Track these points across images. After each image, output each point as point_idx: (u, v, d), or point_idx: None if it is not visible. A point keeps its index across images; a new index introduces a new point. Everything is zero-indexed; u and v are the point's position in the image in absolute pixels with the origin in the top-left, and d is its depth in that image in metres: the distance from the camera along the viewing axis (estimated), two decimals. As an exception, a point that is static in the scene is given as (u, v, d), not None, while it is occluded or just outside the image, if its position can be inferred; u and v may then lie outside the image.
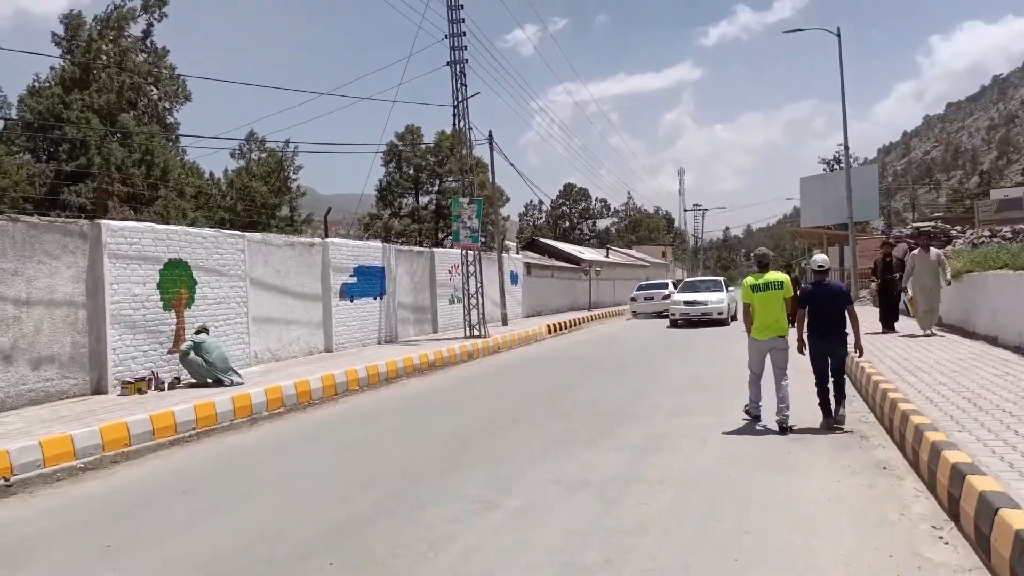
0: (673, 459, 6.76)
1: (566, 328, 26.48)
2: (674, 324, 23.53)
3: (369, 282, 17.79)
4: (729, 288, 26.06)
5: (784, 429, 7.42)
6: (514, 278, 28.69)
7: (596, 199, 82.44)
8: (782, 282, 7.66)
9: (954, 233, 24.02)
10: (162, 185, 26.58)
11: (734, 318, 23.02)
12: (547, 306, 32.50)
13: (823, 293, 7.58)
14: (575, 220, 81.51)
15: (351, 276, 17.08)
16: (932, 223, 26.11)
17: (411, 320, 20.42)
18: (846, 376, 7.94)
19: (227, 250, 13.30)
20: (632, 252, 62.09)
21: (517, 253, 30.45)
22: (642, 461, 6.74)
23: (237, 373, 11.63)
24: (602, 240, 75.43)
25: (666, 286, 30.63)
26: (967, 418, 6.64)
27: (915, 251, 13.93)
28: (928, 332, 13.67)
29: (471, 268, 20.32)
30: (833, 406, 7.59)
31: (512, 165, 24.35)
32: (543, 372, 14.10)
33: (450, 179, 28.60)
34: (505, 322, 24.75)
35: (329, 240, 16.77)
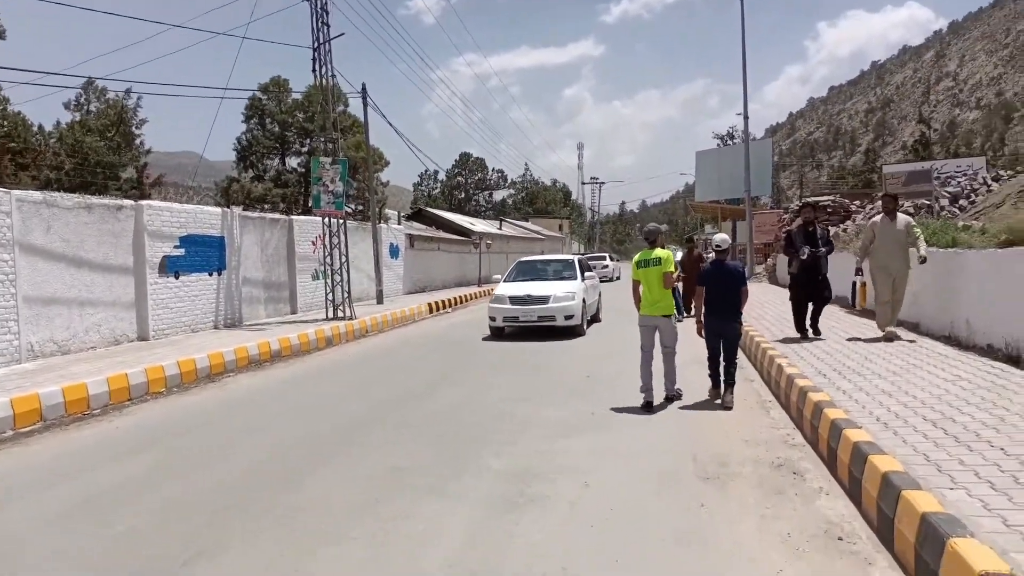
0: (538, 526, 4.55)
1: (451, 306, 24.14)
2: (497, 333, 14.67)
3: (202, 254, 14.76)
4: (591, 272, 17.67)
5: (671, 399, 7.76)
6: (394, 251, 26.02)
7: (493, 170, 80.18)
8: (660, 258, 7.64)
9: (853, 208, 23.21)
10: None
11: (597, 319, 16.65)
12: (433, 281, 30.01)
13: (721, 273, 7.59)
14: (471, 191, 79.04)
15: (177, 247, 14.02)
16: (830, 197, 25.33)
17: (262, 299, 17.51)
18: (737, 361, 7.69)
19: (-19, 211, 10.11)
20: (528, 225, 60.29)
21: (399, 223, 27.77)
22: (495, 530, 4.50)
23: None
24: (499, 212, 73.35)
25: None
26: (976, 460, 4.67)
27: (876, 218, 10.35)
28: (887, 333, 9.80)
29: (335, 239, 17.56)
30: (722, 390, 7.62)
31: (390, 124, 21.43)
32: (407, 365, 11.69)
33: (321, 138, 25.33)
34: (380, 300, 22.13)
35: (144, 203, 13.65)
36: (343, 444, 6.71)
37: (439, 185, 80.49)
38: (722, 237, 7.78)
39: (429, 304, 22.28)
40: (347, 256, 17.80)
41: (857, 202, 23.73)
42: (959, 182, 20.02)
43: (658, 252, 7.69)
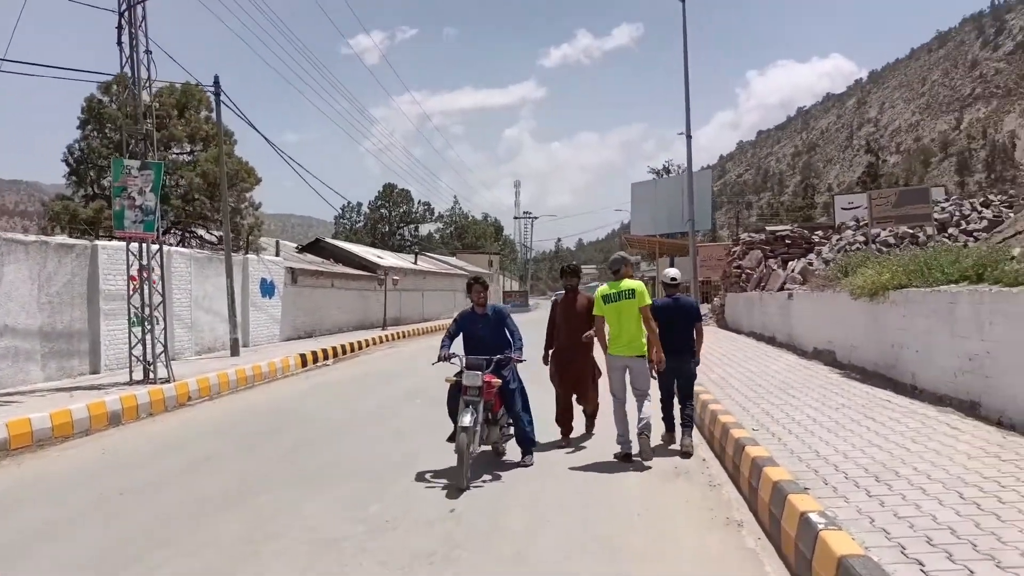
0: None
1: (336, 356, 19.42)
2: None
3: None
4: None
5: (626, 458, 6.65)
6: (268, 288, 21.19)
7: (419, 202, 75.58)
8: (633, 290, 6.68)
9: (815, 239, 19.76)
10: None
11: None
12: (323, 324, 25.16)
13: (675, 307, 7.09)
14: (395, 224, 74.21)
15: None
16: (787, 227, 21.95)
17: (37, 354, 12.54)
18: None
19: None
20: (452, 260, 55.89)
21: (277, 254, 23.01)
22: None
23: None
24: (424, 247, 68.80)
25: None
26: None
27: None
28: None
29: (145, 273, 12.77)
30: (679, 434, 7.03)
31: (251, 124, 16.97)
32: (184, 479, 7.00)
33: (176, 150, 20.48)
34: (236, 351, 17.28)
35: None
36: None
37: (362, 218, 75.53)
38: (675, 272, 7.43)
39: (302, 356, 17.54)
40: (164, 294, 13.03)
41: (819, 233, 20.40)
42: (944, 208, 16.74)
43: (628, 283, 6.78)
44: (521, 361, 6.64)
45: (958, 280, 8.00)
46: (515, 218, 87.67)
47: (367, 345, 22.68)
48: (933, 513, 4.09)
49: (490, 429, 6.61)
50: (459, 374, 6.38)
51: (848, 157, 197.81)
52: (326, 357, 18.81)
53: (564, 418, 7.58)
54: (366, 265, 31.04)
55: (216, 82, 16.71)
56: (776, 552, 4.43)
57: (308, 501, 5.81)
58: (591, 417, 7.88)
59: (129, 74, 12.63)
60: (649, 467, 6.43)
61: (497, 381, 6.42)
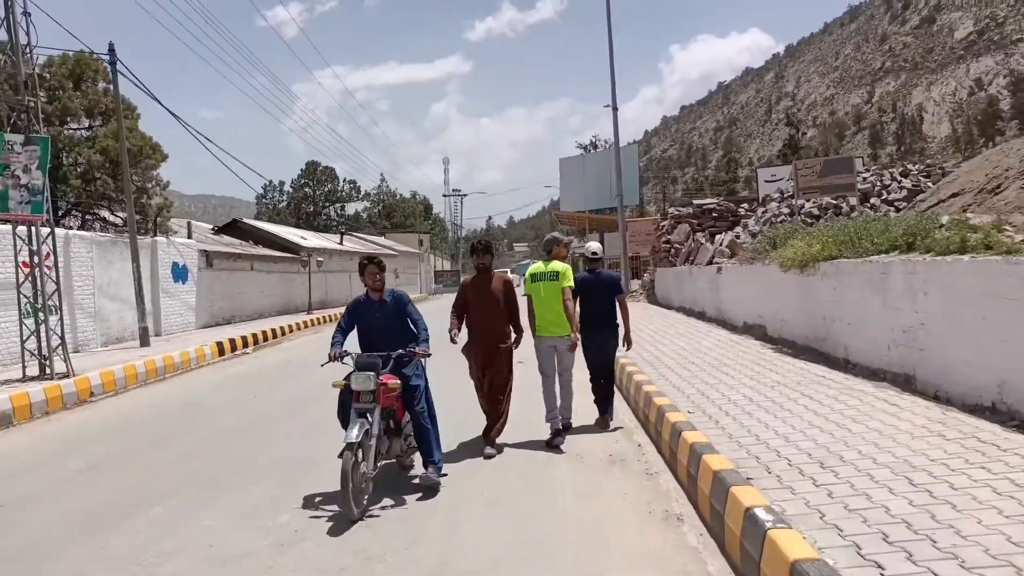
0: None
1: (256, 343, 18.48)
2: None
3: None
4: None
5: (556, 435, 6.55)
6: (180, 273, 19.97)
7: (344, 180, 73.58)
8: (557, 272, 6.74)
9: (742, 212, 19.83)
10: None
11: None
12: (243, 309, 24.03)
13: (595, 282, 7.11)
14: (320, 204, 72.13)
15: None
16: (714, 201, 22.01)
17: (-90, 353, 11.34)
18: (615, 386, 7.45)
19: None
20: (381, 240, 54.68)
21: (190, 236, 21.72)
22: None
23: None
24: (351, 227, 67.09)
25: None
26: None
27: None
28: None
29: (36, 259, 11.67)
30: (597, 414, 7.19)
31: (153, 96, 15.75)
32: (72, 487, 6.25)
33: (73, 125, 18.97)
34: (146, 341, 16.19)
35: None
36: None
37: (285, 198, 73.05)
38: (596, 246, 7.48)
39: (219, 344, 16.59)
40: (58, 282, 11.96)
41: (745, 206, 20.50)
42: (865, 178, 16.96)
43: (555, 265, 6.87)
44: (427, 356, 5.57)
45: (888, 250, 7.89)
46: (444, 196, 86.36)
47: (291, 330, 21.75)
48: (885, 504, 3.82)
49: (392, 440, 5.49)
50: (349, 376, 5.20)
51: (768, 131, 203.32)
52: (245, 345, 17.88)
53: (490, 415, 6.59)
54: (288, 247, 29.83)
55: (111, 49, 15.41)
56: (720, 550, 4.11)
57: (210, 510, 5.21)
58: (495, 429, 6.55)
59: (7, 39, 11.39)
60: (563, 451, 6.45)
61: (396, 383, 5.28)
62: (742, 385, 7.47)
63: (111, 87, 17.68)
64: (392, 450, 5.54)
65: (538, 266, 6.94)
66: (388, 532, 4.61)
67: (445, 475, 5.59)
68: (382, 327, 5.61)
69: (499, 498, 5.18)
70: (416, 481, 5.54)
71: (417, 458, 5.81)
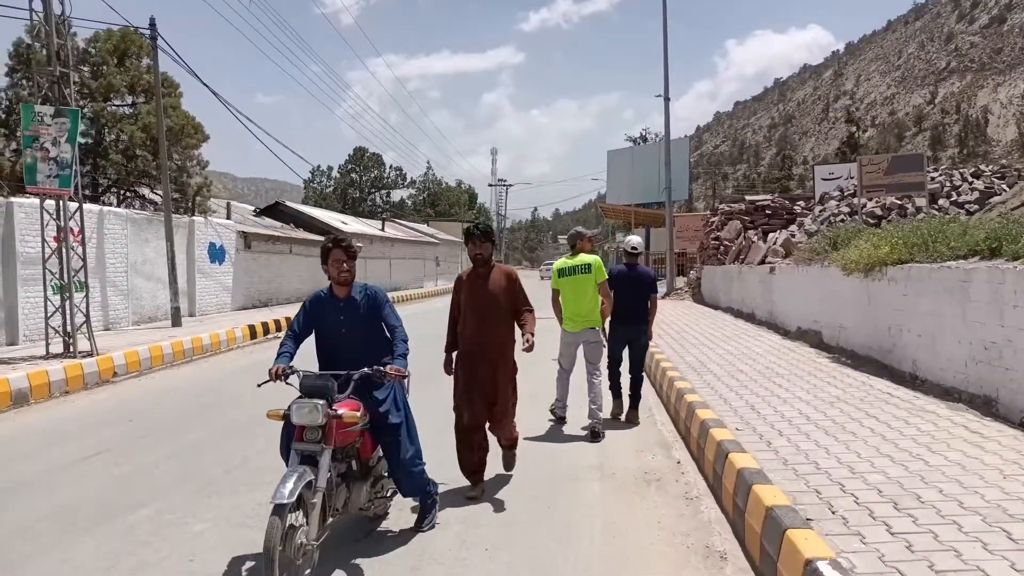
0: None
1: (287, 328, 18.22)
2: None
3: None
4: None
5: (596, 435, 6.45)
6: (217, 254, 19.81)
7: (391, 167, 73.64)
8: (589, 265, 6.62)
9: (798, 209, 18.82)
10: None
11: None
12: (280, 292, 23.85)
13: (631, 277, 7.10)
14: (366, 190, 72.32)
15: None
16: (768, 197, 21.02)
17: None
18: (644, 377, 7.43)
19: None
20: (423, 228, 54.43)
21: (228, 217, 21.57)
22: None
23: None
24: (396, 213, 67.11)
25: None
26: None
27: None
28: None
29: (63, 234, 11.44)
30: (626, 407, 7.18)
31: (194, 74, 15.54)
32: (59, 480, 5.87)
33: (116, 101, 18.89)
34: (178, 321, 16.02)
35: None
36: None
37: (332, 183, 73.42)
38: (637, 240, 7.52)
39: (251, 327, 16.33)
40: (84, 258, 11.74)
41: (801, 203, 19.48)
42: (934, 178, 15.85)
43: (585, 258, 6.68)
44: (402, 376, 4.07)
45: (967, 256, 7.05)
46: (489, 185, 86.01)
47: (325, 315, 21.49)
48: (979, 565, 3.11)
49: (354, 488, 4.02)
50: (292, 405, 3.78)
51: (824, 130, 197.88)
52: (278, 328, 17.59)
53: (470, 459, 5.05)
54: (329, 231, 29.61)
55: (152, 24, 15.16)
56: (771, 604, 3.44)
57: (199, 515, 4.73)
58: (509, 449, 5.41)
59: (40, 7, 11.15)
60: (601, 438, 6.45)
61: (355, 415, 3.83)
62: (797, 399, 6.72)
63: (150, 61, 17.53)
64: (354, 502, 4.01)
65: (564, 261, 6.83)
66: (399, 541, 4.05)
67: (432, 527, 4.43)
68: (347, 334, 4.24)
69: (515, 523, 4.57)
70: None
71: (399, 504, 4.62)
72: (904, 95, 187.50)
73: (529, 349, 4.90)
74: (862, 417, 5.89)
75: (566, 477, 5.47)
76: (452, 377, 5.17)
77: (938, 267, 7.04)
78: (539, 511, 4.74)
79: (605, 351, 6.89)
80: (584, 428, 6.69)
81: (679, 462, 5.83)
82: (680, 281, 24.21)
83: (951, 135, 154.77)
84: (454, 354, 5.18)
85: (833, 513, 3.81)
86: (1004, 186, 14.69)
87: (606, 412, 6.89)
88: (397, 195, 76.12)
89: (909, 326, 7.61)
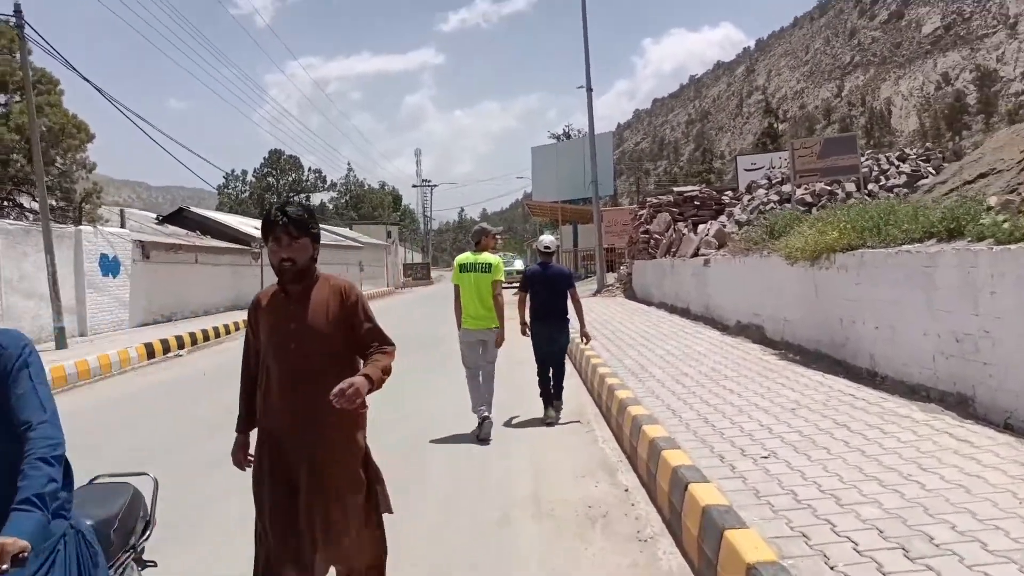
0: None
1: (194, 344, 16.66)
2: None
3: None
4: None
5: (483, 440, 6.29)
6: (111, 266, 18.03)
7: (309, 170, 71.29)
8: (490, 264, 6.66)
9: (726, 200, 18.44)
10: None
11: None
12: (187, 306, 22.09)
13: (545, 276, 7.18)
14: (284, 193, 69.72)
15: None
16: (695, 188, 20.64)
17: None
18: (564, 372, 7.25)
19: None
20: (345, 232, 52.62)
21: (123, 225, 19.74)
22: None
23: None
24: (316, 218, 64.79)
25: None
26: None
27: None
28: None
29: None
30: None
31: (71, 67, 13.86)
32: None
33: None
34: (63, 343, 14.34)
35: None
36: None
37: (248, 188, 70.48)
38: (549, 239, 7.58)
39: (148, 346, 14.78)
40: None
41: (729, 193, 19.17)
42: (862, 162, 15.60)
43: (486, 257, 6.71)
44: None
45: (922, 238, 6.45)
46: (414, 186, 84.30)
47: (235, 328, 19.87)
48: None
49: None
50: None
51: (739, 125, 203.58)
52: (180, 346, 16.06)
53: None
54: (240, 237, 27.87)
55: (17, 10, 13.46)
56: None
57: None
58: None
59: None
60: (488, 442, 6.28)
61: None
62: (753, 407, 5.96)
63: (30, 58, 15.74)
64: None
65: (467, 256, 6.78)
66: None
67: None
68: None
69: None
70: None
71: None
72: (813, 89, 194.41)
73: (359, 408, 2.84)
74: (831, 427, 5.15)
75: (496, 521, 4.53)
76: (252, 475, 2.91)
77: (895, 251, 6.42)
78: (463, 566, 3.80)
79: (526, 349, 7.16)
80: (475, 431, 6.47)
81: (627, 490, 5.00)
82: (610, 277, 23.63)
83: (858, 127, 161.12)
84: (252, 435, 3.03)
85: (831, 568, 2.99)
86: (931, 169, 14.56)
87: (496, 414, 6.78)
88: (317, 199, 73.77)
89: (864, 317, 6.99)
